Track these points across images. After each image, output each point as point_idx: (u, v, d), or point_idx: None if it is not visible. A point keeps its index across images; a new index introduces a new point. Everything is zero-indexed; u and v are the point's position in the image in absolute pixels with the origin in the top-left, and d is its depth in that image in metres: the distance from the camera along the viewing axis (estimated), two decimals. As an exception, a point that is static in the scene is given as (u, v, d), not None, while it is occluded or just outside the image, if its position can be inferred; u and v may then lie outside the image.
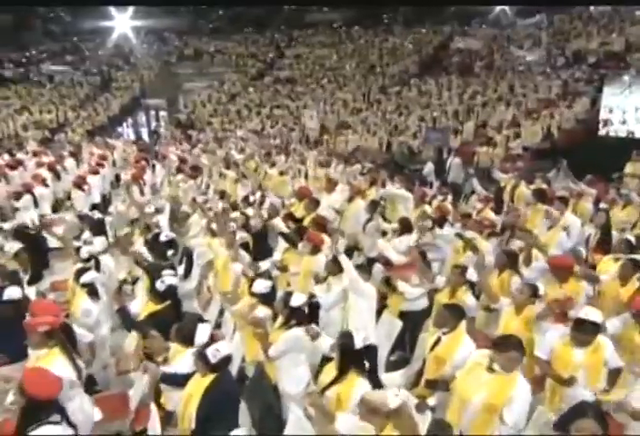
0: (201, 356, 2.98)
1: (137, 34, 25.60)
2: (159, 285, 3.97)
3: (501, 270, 4.59)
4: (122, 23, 24.89)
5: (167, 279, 4.02)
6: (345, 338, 3.21)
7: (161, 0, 24.49)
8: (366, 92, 19.12)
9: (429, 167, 11.35)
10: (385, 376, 3.93)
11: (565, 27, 18.98)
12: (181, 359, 3.53)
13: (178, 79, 24.08)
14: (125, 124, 21.63)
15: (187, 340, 3.35)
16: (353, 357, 3.13)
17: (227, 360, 3.06)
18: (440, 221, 5.81)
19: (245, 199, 8.46)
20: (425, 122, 15.28)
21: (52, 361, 3.41)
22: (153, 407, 3.53)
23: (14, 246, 5.31)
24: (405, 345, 4.87)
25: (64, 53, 26.82)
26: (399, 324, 4.60)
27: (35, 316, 3.76)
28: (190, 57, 25.87)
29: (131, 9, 24.16)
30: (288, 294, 3.78)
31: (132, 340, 4.89)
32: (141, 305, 4.75)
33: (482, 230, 5.50)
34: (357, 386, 3.06)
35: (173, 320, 3.83)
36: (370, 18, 25.72)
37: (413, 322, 4.72)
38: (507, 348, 2.96)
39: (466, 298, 4.23)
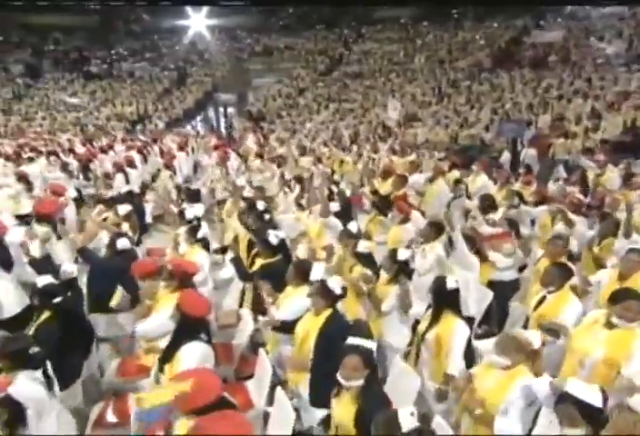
0: (323, 287, 3.25)
1: (211, 32, 26.75)
2: (272, 239, 4.30)
3: (603, 237, 4.60)
4: (197, 22, 26.12)
5: (279, 233, 4.34)
6: (439, 280, 3.41)
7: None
8: (436, 86, 19.10)
9: (505, 156, 11.32)
10: (477, 342, 4.09)
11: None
12: (290, 304, 3.85)
13: (249, 75, 24.88)
14: (198, 117, 22.64)
15: (304, 275, 3.64)
16: (447, 298, 3.31)
17: (343, 294, 3.35)
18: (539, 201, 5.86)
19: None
20: (496, 115, 15.14)
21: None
22: (262, 352, 3.88)
23: (126, 208, 5.82)
24: (491, 318, 4.99)
25: (143, 50, 28.39)
26: (490, 294, 4.64)
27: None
28: (260, 54, 26.66)
29: (205, 9, 25.32)
30: (394, 250, 4.02)
31: (231, 298, 5.33)
32: (232, 272, 5.18)
33: (573, 208, 5.53)
34: (455, 326, 3.24)
35: (283, 273, 4.15)
36: (439, 14, 25.61)
37: (501, 294, 4.73)
38: (624, 297, 2.99)
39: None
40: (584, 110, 13.76)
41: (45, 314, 3.68)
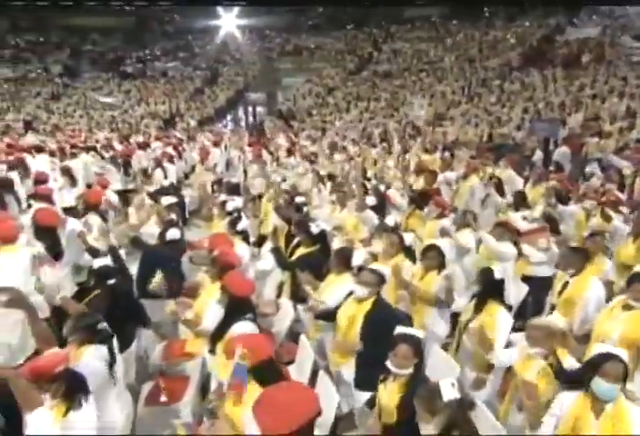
0: (374, 274, 3.39)
1: (242, 32, 27.15)
2: (314, 229, 4.47)
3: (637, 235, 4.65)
4: (228, 22, 26.54)
5: (320, 224, 4.51)
6: (486, 271, 3.52)
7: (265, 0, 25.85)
8: (466, 85, 19.02)
9: (538, 155, 11.28)
10: (512, 335, 4.17)
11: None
12: (334, 291, 3.99)
13: (278, 74, 25.15)
14: (229, 116, 23.02)
15: (346, 262, 3.79)
16: (493, 288, 3.43)
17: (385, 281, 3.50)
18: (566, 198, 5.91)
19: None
20: (528, 114, 15.03)
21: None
22: (303, 338, 4.04)
23: (169, 199, 6.06)
24: (526, 312, 5.04)
25: (176, 50, 28.96)
26: (525, 288, 4.71)
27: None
28: (290, 53, 26.92)
29: (236, 9, 25.72)
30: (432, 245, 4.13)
31: (269, 288, 5.51)
32: (271, 264, 5.35)
33: (611, 205, 5.55)
34: (499, 314, 3.34)
35: (322, 262, 4.31)
36: (470, 13, 25.45)
37: (536, 289, 4.78)
38: (636, 280, 3.15)
39: (604, 264, 4.32)
40: (618, 109, 13.57)
41: (95, 292, 3.90)
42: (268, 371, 2.65)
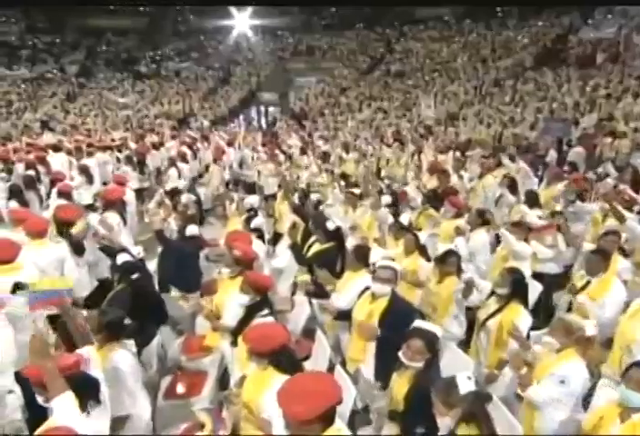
0: (388, 268, 3.46)
1: (254, 33, 27.31)
2: (329, 225, 4.54)
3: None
4: (241, 22, 26.71)
5: (336, 221, 4.58)
6: (515, 271, 3.56)
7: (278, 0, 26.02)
8: (479, 85, 18.97)
9: (552, 155, 11.26)
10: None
11: None
12: (349, 291, 4.03)
13: (291, 74, 25.25)
14: (242, 116, 23.15)
15: (363, 259, 3.86)
16: (520, 288, 3.48)
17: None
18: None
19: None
20: (541, 114, 14.97)
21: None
22: (320, 333, 4.12)
23: (189, 197, 6.18)
24: (538, 311, 5.06)
25: (189, 51, 29.18)
26: (539, 287, 4.73)
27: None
28: (303, 53, 27.00)
29: (249, 9, 25.89)
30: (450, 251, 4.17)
31: (284, 286, 5.59)
32: (285, 261, 5.43)
33: (625, 205, 5.55)
34: (520, 314, 3.39)
35: (336, 259, 4.39)
36: (483, 12, 25.37)
37: (544, 286, 4.81)
38: None
39: (619, 263, 4.32)
40: (633, 109, 13.48)
41: (118, 287, 4.00)
42: (285, 358, 2.76)
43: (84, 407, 2.38)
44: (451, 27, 25.63)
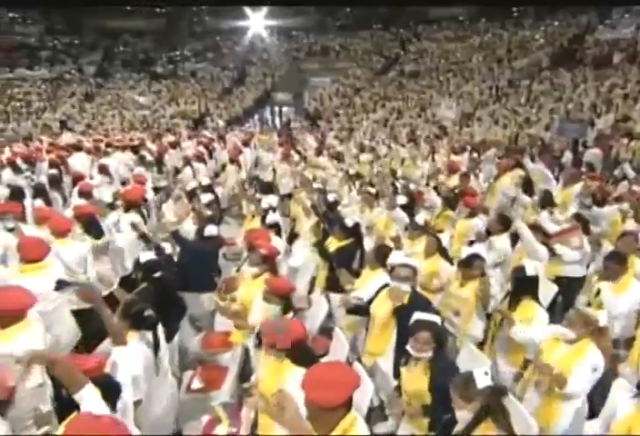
0: (407, 266, 3.55)
1: (269, 33, 27.50)
2: (348, 222, 4.62)
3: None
4: (256, 23, 26.92)
5: (355, 218, 4.65)
6: (518, 269, 3.62)
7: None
8: (494, 85, 18.91)
9: (567, 156, 11.22)
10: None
11: None
12: (368, 287, 4.13)
13: (305, 74, 25.38)
14: (256, 116, 23.32)
15: (382, 258, 3.94)
16: (526, 285, 3.54)
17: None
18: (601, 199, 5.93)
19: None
20: (557, 114, 14.89)
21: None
22: (338, 330, 4.20)
23: (208, 196, 6.29)
24: (555, 313, 5.08)
25: (205, 51, 29.50)
26: (554, 288, 4.71)
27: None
28: (317, 54, 27.12)
29: (264, 10, 26.08)
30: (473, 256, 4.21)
31: (302, 284, 5.68)
32: (302, 260, 5.51)
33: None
34: (535, 312, 3.45)
35: (354, 255, 4.45)
36: (498, 12, 25.26)
37: (569, 290, 4.84)
38: None
39: (637, 264, 4.30)
40: (651, 110, 13.37)
41: (142, 285, 4.11)
42: (301, 352, 2.85)
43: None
44: (466, 27, 25.56)
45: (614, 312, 3.58)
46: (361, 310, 3.97)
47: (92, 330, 4.18)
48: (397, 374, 3.43)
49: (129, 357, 3.04)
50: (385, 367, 3.64)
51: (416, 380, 2.99)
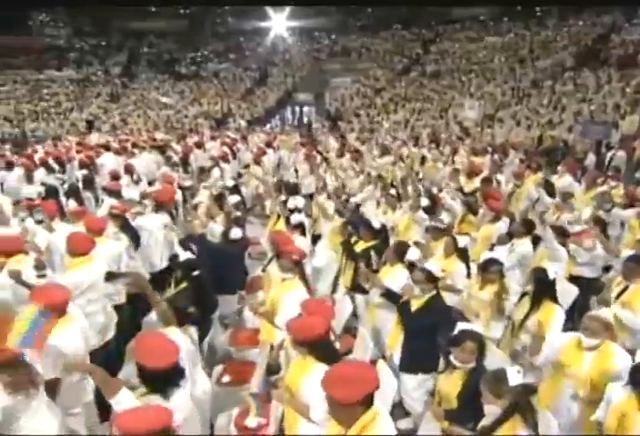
0: (429, 274, 3.68)
1: (291, 34, 27.69)
2: (375, 223, 4.75)
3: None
4: (278, 23, 27.13)
5: (381, 219, 4.78)
6: (539, 271, 3.72)
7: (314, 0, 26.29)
8: (516, 86, 18.79)
9: (590, 158, 11.16)
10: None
11: None
12: (396, 277, 4.22)
13: (327, 75, 25.51)
14: (277, 116, 23.55)
15: (401, 255, 4.06)
16: (547, 287, 3.63)
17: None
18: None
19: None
20: (580, 115, 14.77)
21: (294, 286, 4.11)
22: (362, 328, 4.33)
23: (236, 198, 6.46)
24: (573, 315, 5.14)
25: (227, 52, 29.86)
26: (575, 291, 4.73)
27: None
28: (338, 54, 27.23)
29: (286, 11, 26.27)
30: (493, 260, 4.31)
31: (324, 283, 5.82)
32: (325, 260, 5.63)
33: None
34: (554, 312, 3.55)
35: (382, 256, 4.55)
36: (521, 12, 25.06)
37: (581, 290, 4.81)
38: None
39: None
40: (676, 111, 13.20)
41: (183, 284, 4.28)
42: (323, 347, 2.94)
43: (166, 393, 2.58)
44: (488, 27, 25.40)
45: (636, 325, 3.65)
46: (394, 297, 4.07)
47: (124, 326, 4.43)
48: (403, 367, 3.58)
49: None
50: (393, 364, 3.78)
51: (452, 384, 3.08)
